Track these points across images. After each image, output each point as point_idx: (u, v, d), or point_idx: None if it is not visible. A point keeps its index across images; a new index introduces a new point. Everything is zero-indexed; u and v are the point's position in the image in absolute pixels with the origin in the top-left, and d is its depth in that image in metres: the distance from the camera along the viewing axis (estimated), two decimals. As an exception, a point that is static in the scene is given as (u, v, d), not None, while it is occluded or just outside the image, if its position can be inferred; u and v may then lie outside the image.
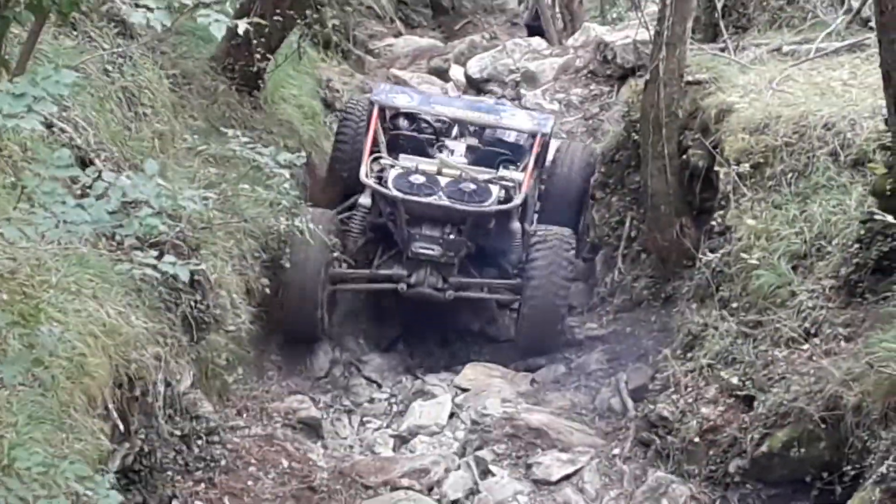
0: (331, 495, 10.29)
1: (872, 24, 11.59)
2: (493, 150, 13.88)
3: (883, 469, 8.19)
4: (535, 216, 14.30)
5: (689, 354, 10.90)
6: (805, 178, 11.07)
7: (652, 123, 12.59)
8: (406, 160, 13.44)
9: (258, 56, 13.97)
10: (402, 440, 11.70)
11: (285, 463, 10.53)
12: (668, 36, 12.39)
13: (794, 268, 10.48)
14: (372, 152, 13.42)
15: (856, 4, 14.29)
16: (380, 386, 12.86)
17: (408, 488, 10.48)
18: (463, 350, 13.73)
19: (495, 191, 13.12)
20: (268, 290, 11.94)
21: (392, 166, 13.28)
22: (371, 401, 12.62)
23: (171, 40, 13.20)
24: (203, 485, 9.77)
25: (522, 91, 19.54)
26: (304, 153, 11.47)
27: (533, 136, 13.81)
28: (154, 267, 6.19)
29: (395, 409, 12.45)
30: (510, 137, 14.13)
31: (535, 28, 24.20)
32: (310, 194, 14.22)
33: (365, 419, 12.28)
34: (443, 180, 13.10)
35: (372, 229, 13.55)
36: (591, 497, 10.41)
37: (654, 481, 10.24)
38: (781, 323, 10.08)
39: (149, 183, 5.85)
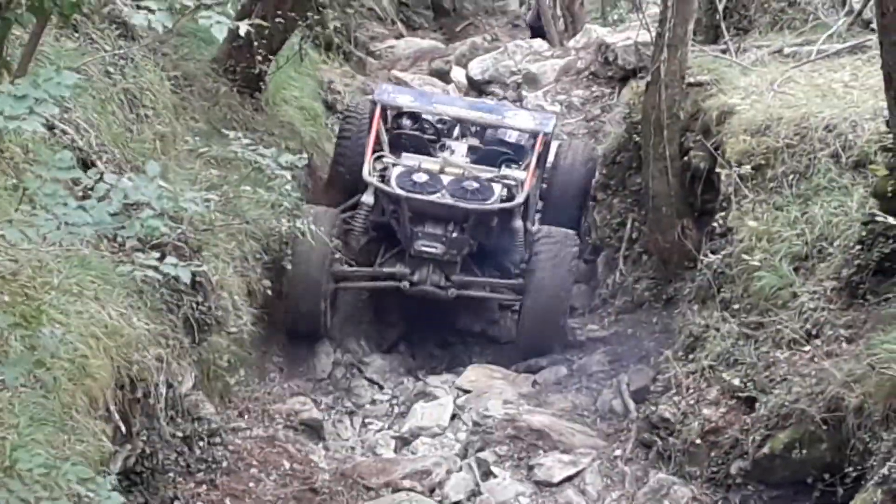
0: (332, 497, 10.28)
1: (874, 25, 11.60)
2: (494, 150, 13.89)
3: (884, 470, 8.18)
4: (538, 216, 14.32)
5: (691, 356, 10.91)
6: (806, 180, 11.08)
7: (653, 125, 12.60)
8: (409, 159, 13.46)
9: (259, 58, 13.98)
10: (403, 441, 11.70)
11: (287, 464, 10.53)
12: (669, 37, 12.39)
13: (796, 269, 10.48)
14: (374, 151, 13.43)
15: (857, 6, 14.29)
16: (381, 387, 12.86)
17: (409, 490, 10.48)
18: (464, 352, 13.75)
19: (498, 189, 13.13)
20: (269, 292, 11.95)
21: (395, 165, 13.30)
22: (373, 402, 12.62)
23: (173, 42, 13.20)
24: (205, 486, 9.77)
25: (524, 93, 19.54)
26: (305, 155, 11.45)
27: (535, 135, 13.81)
28: (156, 268, 6.19)
29: (396, 410, 12.45)
30: (511, 138, 14.13)
31: (538, 28, 24.24)
32: (311, 196, 14.21)
33: (366, 421, 12.28)
34: (445, 178, 13.12)
35: (375, 228, 13.57)
36: (592, 498, 10.41)
37: (656, 483, 10.24)
38: (783, 324, 10.09)
39: (150, 185, 5.85)
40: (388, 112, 14.10)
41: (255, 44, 13.52)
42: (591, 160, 14.87)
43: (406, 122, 14.19)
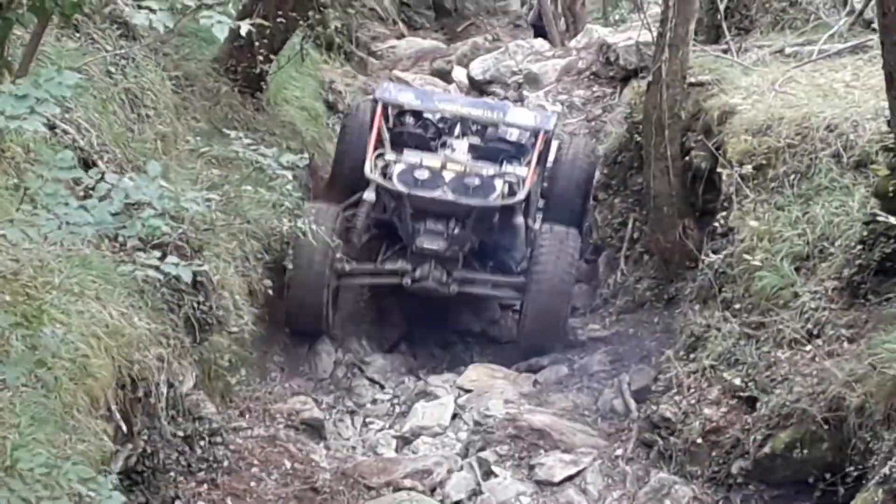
0: (333, 496, 10.28)
1: (875, 25, 11.60)
2: (496, 147, 13.90)
3: (886, 470, 8.18)
4: (540, 214, 14.33)
5: (692, 356, 10.91)
6: (808, 180, 11.08)
7: (654, 125, 12.60)
8: (410, 156, 13.48)
9: (261, 58, 13.98)
10: (404, 441, 11.70)
11: (288, 464, 10.53)
12: (670, 37, 12.39)
13: (797, 269, 10.48)
14: (376, 149, 13.45)
15: (858, 6, 14.29)
16: (382, 387, 12.86)
17: (410, 489, 10.48)
18: (465, 351, 13.76)
19: (499, 185, 13.15)
20: (270, 292, 11.95)
21: (396, 162, 13.32)
22: (374, 402, 12.62)
23: (174, 42, 13.21)
24: (206, 486, 9.77)
25: (525, 93, 19.54)
26: (306, 155, 11.46)
27: (536, 132, 13.83)
28: (157, 268, 6.19)
29: (397, 410, 12.45)
30: (512, 136, 14.13)
31: (540, 28, 24.25)
32: (313, 196, 14.22)
33: (367, 420, 12.28)
34: (447, 175, 13.14)
35: (376, 226, 13.60)
36: (593, 498, 10.40)
37: (657, 482, 10.24)
38: (784, 324, 10.09)
39: (151, 184, 5.85)
40: (390, 110, 14.11)
41: (257, 44, 13.52)
42: (592, 158, 14.88)
43: (408, 119, 14.20)
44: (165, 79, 12.42)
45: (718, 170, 12.01)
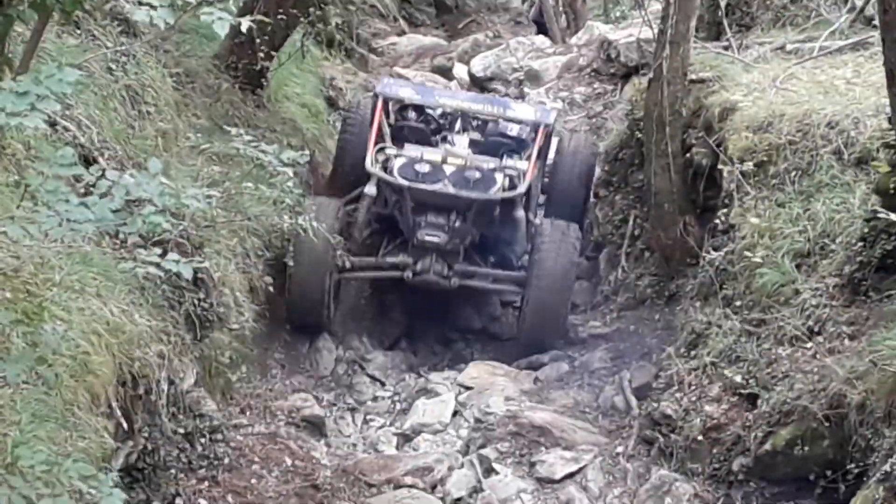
0: (334, 493, 10.28)
1: (876, 22, 11.59)
2: (496, 141, 13.93)
3: (887, 467, 8.18)
4: (541, 209, 14.35)
5: (693, 353, 10.91)
6: (809, 177, 11.07)
7: (655, 122, 12.59)
8: (411, 150, 13.50)
9: (261, 54, 13.97)
10: (405, 438, 11.71)
11: (289, 461, 10.53)
12: (671, 34, 12.38)
13: (798, 266, 10.48)
14: (376, 143, 13.47)
15: (859, 3, 14.29)
16: (383, 384, 12.86)
17: (411, 486, 10.48)
18: (466, 348, 13.76)
19: (500, 179, 13.17)
20: (271, 289, 11.95)
21: (397, 156, 13.34)
22: (374, 399, 12.62)
23: (175, 38, 13.21)
24: (206, 483, 9.77)
25: (526, 89, 19.54)
26: (307, 151, 11.46)
27: (536, 127, 13.85)
28: (157, 265, 6.18)
29: (398, 407, 12.45)
30: (513, 131, 14.16)
31: (542, 24, 24.27)
32: (314, 192, 14.22)
33: (368, 417, 12.28)
34: (448, 169, 13.17)
35: (377, 220, 13.62)
36: (594, 495, 10.41)
37: (658, 479, 10.24)
38: (785, 321, 10.08)
39: (152, 181, 5.85)
40: (390, 105, 14.13)
41: (257, 40, 13.52)
42: (593, 153, 14.91)
43: (409, 114, 14.23)
44: (166, 75, 12.42)
45: (719, 166, 12.01)
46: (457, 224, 13.08)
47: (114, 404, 8.27)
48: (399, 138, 13.80)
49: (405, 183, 12.99)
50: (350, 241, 13.29)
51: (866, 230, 9.70)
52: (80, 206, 5.60)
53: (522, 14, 26.26)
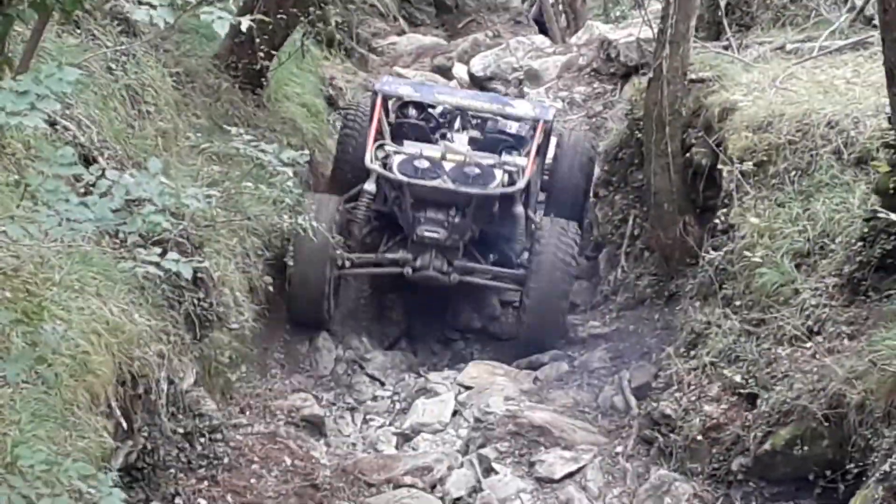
0: (334, 493, 10.28)
1: (876, 22, 11.59)
2: (495, 138, 13.95)
3: (886, 467, 8.18)
4: (541, 207, 14.37)
5: (693, 352, 10.90)
6: (808, 177, 11.07)
7: (655, 121, 12.59)
8: (410, 146, 13.54)
9: (261, 54, 13.97)
10: (405, 438, 11.71)
11: (288, 461, 10.52)
12: (671, 34, 12.38)
13: (798, 266, 10.48)
14: (376, 140, 13.50)
15: (859, 3, 14.29)
16: (383, 384, 12.87)
17: (411, 486, 10.48)
18: (465, 348, 13.77)
19: (499, 175, 13.21)
20: (271, 288, 11.96)
21: (397, 152, 13.37)
22: (374, 399, 12.63)
23: (175, 38, 13.21)
24: (206, 482, 9.77)
25: (526, 89, 19.54)
26: (307, 151, 11.46)
27: (535, 123, 13.88)
28: (157, 265, 6.18)
29: (398, 406, 12.45)
30: (512, 129, 14.19)
31: (543, 23, 24.29)
32: (313, 192, 14.21)
33: (368, 417, 12.28)
34: (447, 165, 13.20)
35: (377, 218, 13.64)
36: (593, 495, 10.40)
37: (657, 479, 10.24)
38: (784, 321, 10.08)
39: (152, 181, 5.85)
40: (390, 102, 14.16)
41: (257, 40, 13.52)
42: (592, 151, 14.93)
43: (408, 112, 14.26)
44: (166, 75, 12.42)
45: (719, 166, 12.01)
46: (456, 220, 13.11)
47: (113, 404, 8.27)
48: (399, 136, 13.84)
49: (404, 179, 13.02)
50: (350, 238, 13.31)
51: (866, 230, 9.70)
52: (80, 205, 5.60)
53: (522, 14, 26.24)
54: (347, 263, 13.08)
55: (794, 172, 11.17)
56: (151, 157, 7.40)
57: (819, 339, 9.79)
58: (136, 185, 5.79)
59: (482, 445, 11.05)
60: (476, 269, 13.31)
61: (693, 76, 12.79)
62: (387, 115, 13.99)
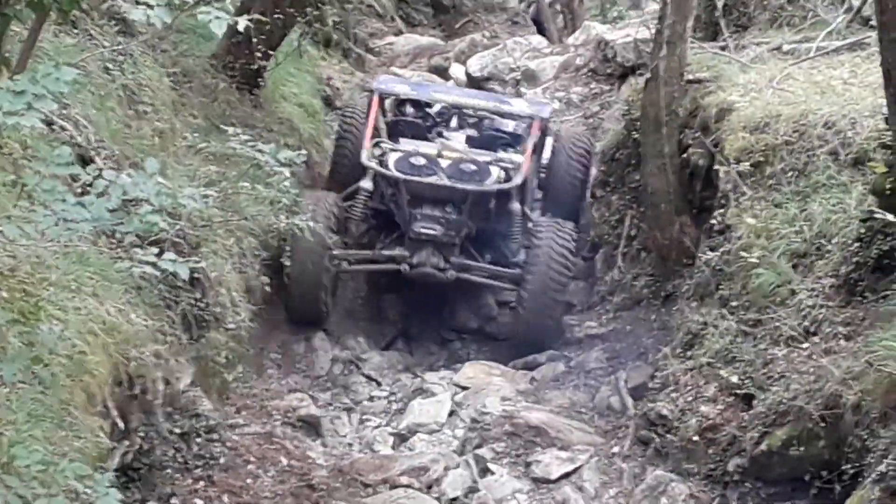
0: (330, 493, 10.28)
1: (873, 22, 11.58)
2: (492, 136, 13.98)
3: (882, 468, 8.18)
4: (538, 205, 14.39)
5: (689, 353, 10.91)
6: (805, 177, 11.07)
7: (652, 122, 12.60)
8: (407, 144, 13.56)
9: (259, 54, 13.97)
10: (401, 438, 11.70)
11: (284, 461, 10.52)
12: (668, 34, 12.39)
13: (794, 266, 10.48)
14: (372, 138, 13.52)
15: (856, 3, 14.28)
16: (379, 384, 12.86)
17: (407, 486, 10.48)
18: (462, 348, 13.77)
19: (495, 171, 13.25)
20: (268, 289, 11.95)
21: (393, 150, 13.39)
22: (370, 399, 12.62)
23: (172, 38, 13.21)
24: (202, 482, 9.77)
25: (523, 90, 19.55)
26: (304, 151, 11.46)
27: (531, 120, 13.90)
28: (154, 265, 6.18)
29: (394, 407, 12.45)
30: (508, 127, 14.21)
31: (541, 23, 24.29)
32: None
33: (364, 417, 12.28)
34: (443, 162, 13.25)
35: (374, 216, 13.65)
36: (590, 495, 10.40)
37: (654, 479, 10.24)
38: (781, 321, 10.08)
39: (149, 181, 5.84)
40: (387, 101, 14.19)
41: (254, 40, 13.51)
42: (588, 149, 14.96)
43: (405, 110, 14.29)
44: (163, 75, 12.42)
45: (716, 167, 12.01)
46: (452, 216, 13.14)
47: (110, 404, 8.27)
48: (395, 134, 13.87)
49: (401, 176, 13.05)
50: (347, 235, 13.33)
51: (863, 231, 9.70)
52: (77, 205, 5.60)
53: (520, 14, 26.24)
54: (345, 264, 13.08)
55: (790, 173, 11.18)
56: (148, 157, 7.40)
57: (815, 339, 9.80)
58: (133, 185, 5.78)
59: (478, 446, 11.05)
60: (473, 266, 13.32)
61: (690, 77, 12.80)
62: (384, 114, 14.01)
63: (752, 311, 10.54)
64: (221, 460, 10.06)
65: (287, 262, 12.47)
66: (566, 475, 10.60)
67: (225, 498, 9.77)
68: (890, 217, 8.91)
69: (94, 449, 7.70)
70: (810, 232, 10.54)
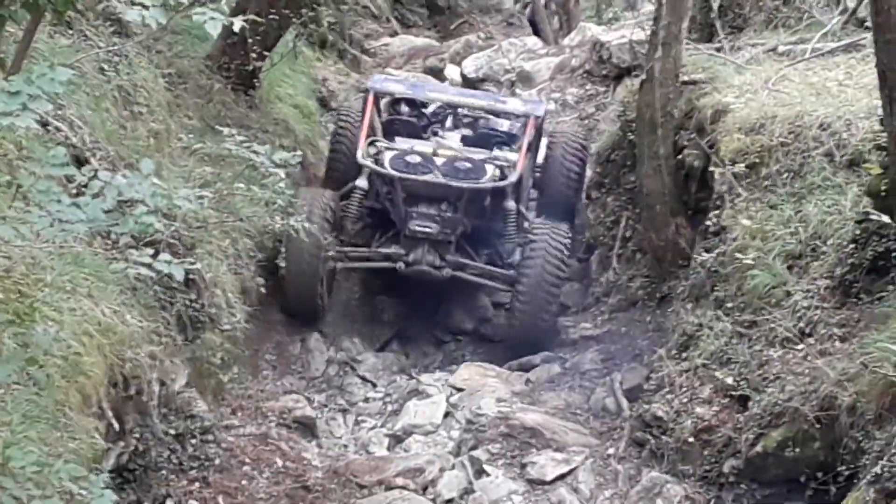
0: (325, 494, 10.28)
1: (868, 24, 11.60)
2: (487, 135, 13.99)
3: (877, 469, 8.18)
4: (533, 205, 14.40)
5: (684, 354, 10.91)
6: (800, 179, 11.08)
7: (647, 123, 12.60)
8: (402, 143, 13.58)
9: (254, 55, 13.97)
10: (396, 439, 11.70)
11: (280, 462, 10.52)
12: (664, 36, 12.39)
13: (790, 268, 10.48)
14: (367, 137, 13.53)
15: (852, 5, 14.30)
16: (374, 385, 12.86)
17: (402, 487, 10.48)
18: (457, 350, 13.77)
19: (490, 169, 13.26)
20: (263, 290, 11.95)
21: (388, 148, 13.41)
22: (366, 400, 12.62)
23: (167, 39, 13.20)
24: (197, 484, 9.76)
25: (518, 91, 19.55)
26: (299, 152, 11.45)
27: (526, 118, 13.92)
28: (149, 266, 6.16)
29: (389, 408, 12.44)
30: (503, 127, 14.22)
31: (537, 25, 24.31)
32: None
33: (360, 418, 12.28)
34: (438, 160, 13.26)
35: (369, 214, 13.66)
36: (585, 497, 10.40)
37: (649, 481, 10.24)
38: (776, 323, 10.09)
39: (144, 182, 5.83)
40: (382, 101, 14.20)
41: (250, 41, 13.52)
42: (583, 149, 14.97)
43: (401, 109, 14.30)
44: (158, 76, 12.41)
45: (711, 168, 12.01)
46: (448, 214, 13.15)
47: (105, 405, 8.26)
48: (390, 133, 13.89)
49: (396, 174, 13.06)
50: (343, 234, 13.34)
51: (858, 232, 9.71)
52: (72, 206, 5.59)
53: (515, 15, 26.26)
54: (339, 266, 13.08)
55: (786, 174, 11.18)
56: (144, 157, 7.38)
57: (811, 341, 9.80)
58: (129, 186, 5.77)
59: (474, 447, 11.04)
60: (468, 264, 13.33)
61: (685, 78, 12.81)
62: (379, 114, 14.03)
63: (747, 312, 10.55)
64: (216, 461, 10.05)
65: (283, 258, 12.49)
66: (561, 476, 10.60)
67: (220, 499, 9.76)
68: (885, 218, 8.93)
69: (90, 450, 7.69)
70: (805, 233, 10.55)
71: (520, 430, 11.10)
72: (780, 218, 10.84)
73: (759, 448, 9.65)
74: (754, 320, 10.40)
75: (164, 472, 9.46)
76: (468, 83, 20.39)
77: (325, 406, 12.36)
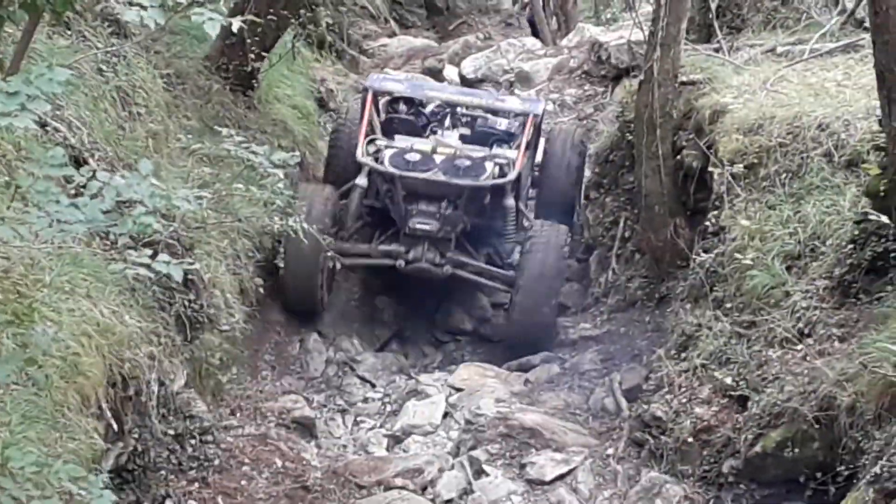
0: (324, 495, 10.27)
1: (866, 24, 11.60)
2: (485, 133, 14.00)
3: (876, 469, 8.18)
4: (532, 203, 14.41)
5: (683, 355, 10.91)
6: (799, 179, 11.08)
7: (646, 124, 12.60)
8: (401, 141, 13.58)
9: (252, 55, 13.97)
10: (395, 440, 11.69)
11: (279, 462, 10.52)
12: (662, 36, 12.39)
13: (788, 268, 10.48)
14: (366, 135, 13.54)
15: (850, 5, 14.30)
16: (374, 386, 12.86)
17: (401, 488, 10.47)
18: (456, 350, 13.76)
19: (490, 167, 13.27)
20: (262, 290, 11.95)
21: (387, 147, 13.41)
22: (365, 400, 12.61)
23: (166, 39, 13.20)
24: (196, 484, 9.76)
25: (516, 91, 19.55)
26: (298, 153, 11.45)
27: (525, 116, 13.93)
28: (148, 266, 6.16)
29: (388, 408, 12.44)
30: (502, 126, 14.23)
31: (535, 25, 24.34)
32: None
33: (359, 419, 12.27)
34: (438, 158, 13.27)
35: (369, 213, 13.67)
36: (584, 497, 10.40)
37: (648, 481, 10.24)
38: (775, 323, 10.09)
39: (143, 182, 5.83)
40: (381, 100, 14.21)
41: (248, 41, 13.51)
42: (582, 147, 14.99)
43: (400, 107, 14.31)
44: (157, 76, 12.40)
45: (710, 169, 12.01)
46: (448, 212, 13.16)
47: (104, 405, 8.26)
48: (389, 131, 13.89)
49: (396, 172, 13.07)
50: (343, 231, 13.35)
51: (856, 232, 9.71)
52: (71, 206, 5.58)
53: (513, 16, 26.29)
54: (338, 265, 13.09)
55: (784, 175, 11.18)
56: (142, 158, 7.40)
57: (810, 341, 9.80)
58: (127, 187, 5.77)
59: (473, 447, 11.04)
60: (468, 263, 13.34)
61: (684, 78, 12.81)
62: (378, 113, 14.04)
63: (746, 312, 10.55)
64: (216, 462, 10.05)
65: (283, 251, 12.50)
66: (561, 477, 10.60)
67: (219, 499, 9.76)
68: (884, 219, 8.94)
69: (89, 450, 7.69)
70: (804, 234, 10.55)
71: (519, 431, 11.10)
72: (779, 218, 10.84)
73: (758, 448, 9.65)
74: (753, 320, 10.40)
75: (163, 472, 9.46)
76: (467, 84, 20.40)
77: (324, 406, 12.35)
